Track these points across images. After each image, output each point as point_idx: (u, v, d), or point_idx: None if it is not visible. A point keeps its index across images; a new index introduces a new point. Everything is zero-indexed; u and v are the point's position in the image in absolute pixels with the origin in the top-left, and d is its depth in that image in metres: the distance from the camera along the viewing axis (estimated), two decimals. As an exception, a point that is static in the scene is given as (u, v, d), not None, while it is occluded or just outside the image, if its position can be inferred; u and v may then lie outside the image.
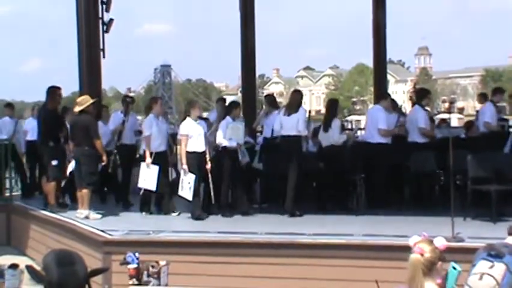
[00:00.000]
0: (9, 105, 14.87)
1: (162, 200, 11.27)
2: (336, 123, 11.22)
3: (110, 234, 9.44)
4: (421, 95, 11.88)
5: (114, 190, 12.78)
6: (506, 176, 9.52)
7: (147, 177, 10.88)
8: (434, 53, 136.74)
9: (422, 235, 4.26)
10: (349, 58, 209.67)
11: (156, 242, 9.10)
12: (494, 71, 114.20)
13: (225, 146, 10.97)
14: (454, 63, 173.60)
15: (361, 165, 11.19)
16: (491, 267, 4.67)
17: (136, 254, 6.64)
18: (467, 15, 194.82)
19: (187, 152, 10.56)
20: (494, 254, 4.74)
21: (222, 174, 10.84)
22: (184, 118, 10.96)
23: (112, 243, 9.18)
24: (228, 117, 11.19)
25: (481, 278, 4.66)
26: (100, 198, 12.47)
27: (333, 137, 11.14)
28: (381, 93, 14.10)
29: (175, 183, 11.22)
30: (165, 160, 11.29)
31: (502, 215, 9.54)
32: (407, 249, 7.71)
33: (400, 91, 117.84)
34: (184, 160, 10.56)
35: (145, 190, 11.02)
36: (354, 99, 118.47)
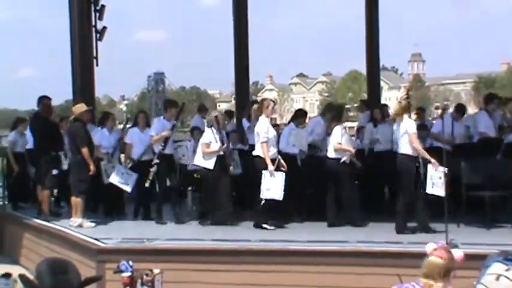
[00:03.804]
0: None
1: (147, 208, 11.52)
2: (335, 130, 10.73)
3: (103, 243, 9.41)
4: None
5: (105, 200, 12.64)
6: (499, 182, 9.54)
7: (272, 186, 10.09)
8: (427, 59, 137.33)
9: (440, 243, 4.36)
10: (343, 65, 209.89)
11: (150, 250, 9.07)
12: (487, 78, 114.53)
13: (286, 152, 10.82)
14: (447, 70, 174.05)
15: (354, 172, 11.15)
16: (508, 270, 4.69)
17: (130, 263, 6.62)
18: (461, 21, 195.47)
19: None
20: (511, 258, 4.77)
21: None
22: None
23: (106, 251, 9.15)
24: (292, 124, 11.22)
25: (497, 279, 4.67)
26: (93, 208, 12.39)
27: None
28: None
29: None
30: (147, 169, 11.26)
31: (495, 221, 9.56)
32: (402, 255, 7.79)
33: (393, 98, 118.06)
34: (269, 161, 10.12)
35: (267, 200, 10.12)
36: (348, 106, 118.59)
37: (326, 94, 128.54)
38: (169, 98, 58.55)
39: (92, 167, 10.69)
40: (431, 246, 4.26)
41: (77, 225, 10.62)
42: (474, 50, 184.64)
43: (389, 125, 11.87)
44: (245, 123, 12.77)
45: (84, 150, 10.67)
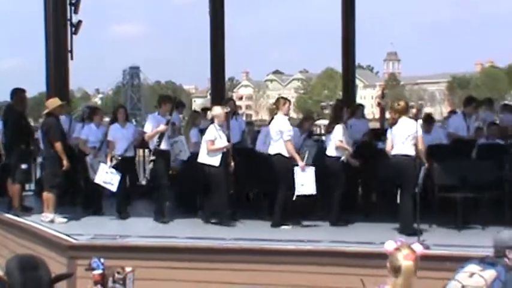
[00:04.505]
0: None
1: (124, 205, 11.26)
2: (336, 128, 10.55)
3: (75, 239, 9.34)
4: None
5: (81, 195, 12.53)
6: (471, 183, 9.62)
7: (305, 181, 10.04)
8: (402, 58, 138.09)
9: (399, 241, 4.30)
10: (319, 62, 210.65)
11: (122, 247, 9.02)
12: (461, 78, 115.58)
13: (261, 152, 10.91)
14: (422, 69, 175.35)
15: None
16: (482, 270, 4.75)
17: (102, 260, 6.57)
18: (436, 21, 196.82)
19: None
20: (488, 262, 4.82)
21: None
22: (272, 117, 10.69)
23: (77, 248, 9.08)
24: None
25: (471, 276, 4.73)
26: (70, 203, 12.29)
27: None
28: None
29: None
30: (131, 165, 11.16)
31: (467, 223, 9.63)
32: (374, 255, 7.82)
33: (368, 96, 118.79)
34: (297, 156, 10.09)
35: (299, 196, 10.04)
36: (323, 104, 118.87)
37: (302, 91, 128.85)
38: (163, 93, 58.07)
39: (65, 162, 10.58)
40: (392, 245, 4.21)
41: (49, 221, 10.51)
42: (449, 50, 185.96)
43: (363, 124, 11.94)
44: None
45: (58, 145, 10.57)
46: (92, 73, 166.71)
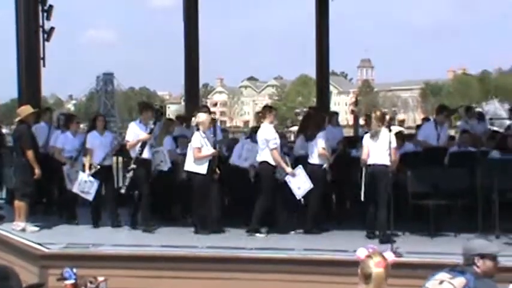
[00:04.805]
0: None
1: (98, 213, 11.12)
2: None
3: (47, 248, 9.24)
4: None
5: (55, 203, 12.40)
6: (444, 191, 9.69)
7: (299, 183, 10.13)
8: (376, 65, 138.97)
9: (371, 248, 4.33)
10: (293, 69, 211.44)
11: (95, 256, 8.94)
12: (434, 85, 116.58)
13: (237, 166, 10.94)
14: (395, 76, 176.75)
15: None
16: (452, 278, 4.79)
17: (74, 270, 6.52)
18: (409, 28, 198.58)
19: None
20: (457, 270, 4.86)
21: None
22: (258, 126, 10.72)
23: (49, 257, 8.98)
24: (248, 139, 11.27)
25: (441, 283, 4.76)
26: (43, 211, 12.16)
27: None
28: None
29: None
30: (109, 174, 11.03)
31: (439, 230, 9.70)
32: (347, 263, 7.83)
33: (342, 102, 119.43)
34: (283, 164, 10.11)
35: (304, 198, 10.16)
36: (297, 110, 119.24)
37: (276, 98, 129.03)
38: (145, 101, 57.47)
39: (37, 171, 10.47)
40: (363, 252, 4.25)
41: (20, 229, 10.39)
42: (422, 57, 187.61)
43: (337, 131, 11.97)
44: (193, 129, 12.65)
45: (29, 153, 10.46)
46: (65, 79, 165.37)
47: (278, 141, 10.23)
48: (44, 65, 13.62)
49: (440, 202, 9.64)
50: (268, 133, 10.21)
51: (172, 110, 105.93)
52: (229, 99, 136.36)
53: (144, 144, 10.61)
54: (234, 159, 11.11)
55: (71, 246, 9.38)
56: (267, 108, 10.80)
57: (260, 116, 10.87)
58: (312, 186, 10.08)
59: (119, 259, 8.88)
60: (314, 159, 10.34)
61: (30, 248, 9.39)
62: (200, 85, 19.40)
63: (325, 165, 10.35)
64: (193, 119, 12.41)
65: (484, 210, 9.39)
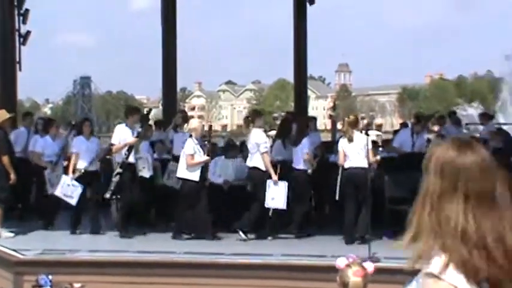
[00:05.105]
0: None
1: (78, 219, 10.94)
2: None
3: (22, 254, 9.11)
4: None
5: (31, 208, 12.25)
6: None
7: (276, 195, 10.05)
8: (354, 69, 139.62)
9: (351, 257, 4.36)
10: (271, 73, 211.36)
11: (71, 262, 8.85)
12: (411, 89, 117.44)
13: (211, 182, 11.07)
14: (372, 80, 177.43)
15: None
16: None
17: (50, 276, 6.46)
18: (386, 33, 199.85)
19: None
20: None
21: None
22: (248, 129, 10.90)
23: (24, 263, 8.87)
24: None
25: None
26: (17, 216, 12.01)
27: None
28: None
29: None
30: (94, 179, 10.95)
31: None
32: (326, 269, 7.82)
33: (320, 107, 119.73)
34: (272, 171, 10.10)
35: (274, 210, 10.08)
36: (275, 115, 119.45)
37: (254, 102, 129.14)
38: (131, 104, 57.18)
39: (12, 176, 10.35)
40: (343, 262, 4.30)
41: (-6, 235, 10.27)
42: (399, 62, 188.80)
43: (315, 136, 11.98)
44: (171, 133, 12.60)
45: (4, 158, 10.34)
46: (42, 83, 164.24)
47: (268, 145, 10.32)
48: (20, 69, 13.52)
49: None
50: (258, 137, 10.27)
51: (151, 115, 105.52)
52: (207, 103, 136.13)
53: (130, 148, 10.51)
54: (210, 177, 11.11)
55: (46, 253, 9.27)
56: (256, 113, 11.03)
57: (249, 120, 10.91)
58: (284, 207, 10.06)
59: (95, 265, 8.80)
60: (299, 165, 10.38)
61: (4, 254, 9.25)
62: (178, 89, 19.35)
63: (309, 171, 10.37)
64: (184, 125, 12.30)
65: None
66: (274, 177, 10.13)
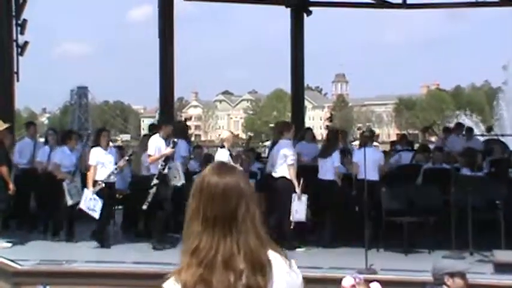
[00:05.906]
0: None
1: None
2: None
3: (19, 264, 9.09)
4: None
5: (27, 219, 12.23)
6: (417, 207, 9.76)
7: (299, 208, 10.16)
8: (350, 80, 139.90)
9: (358, 277, 4.33)
10: (268, 83, 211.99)
11: (68, 272, 8.83)
12: (408, 100, 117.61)
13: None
14: (369, 91, 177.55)
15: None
16: None
17: (48, 287, 6.47)
18: (382, 44, 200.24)
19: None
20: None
21: None
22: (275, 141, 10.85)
23: (22, 274, 8.85)
24: None
25: None
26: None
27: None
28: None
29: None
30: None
31: (413, 247, 9.75)
32: (320, 281, 7.83)
33: (317, 117, 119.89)
34: (296, 183, 10.19)
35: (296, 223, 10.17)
36: (272, 125, 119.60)
37: (251, 112, 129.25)
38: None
39: (11, 186, 10.37)
40: (349, 282, 4.23)
41: (-8, 246, 10.27)
42: (396, 73, 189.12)
43: (313, 147, 12.03)
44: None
45: (3, 169, 10.35)
46: (39, 92, 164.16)
47: (295, 157, 10.41)
48: (17, 80, 13.51)
49: (414, 219, 9.71)
50: (287, 149, 10.38)
51: (146, 124, 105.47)
52: (204, 113, 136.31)
53: (166, 159, 10.46)
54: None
55: (44, 263, 9.27)
56: (286, 124, 11.09)
57: (278, 131, 10.97)
58: (304, 220, 10.21)
59: (92, 276, 8.79)
60: (326, 176, 10.53)
61: (2, 264, 9.24)
62: (175, 99, 19.35)
63: (338, 181, 10.58)
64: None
65: (457, 227, 9.45)
66: (298, 190, 10.21)
